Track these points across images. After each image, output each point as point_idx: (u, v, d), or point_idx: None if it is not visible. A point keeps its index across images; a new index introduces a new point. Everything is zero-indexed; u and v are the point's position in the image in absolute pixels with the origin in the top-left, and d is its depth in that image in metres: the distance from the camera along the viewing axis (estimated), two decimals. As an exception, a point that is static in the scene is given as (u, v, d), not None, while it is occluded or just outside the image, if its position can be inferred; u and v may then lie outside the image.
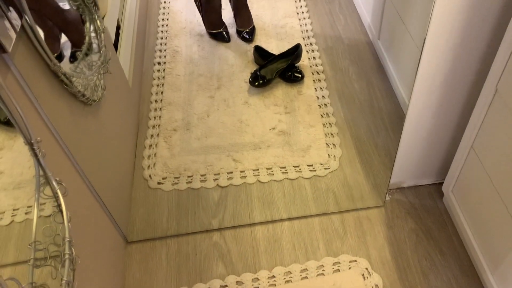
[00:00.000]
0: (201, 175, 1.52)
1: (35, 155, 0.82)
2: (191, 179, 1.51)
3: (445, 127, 1.25)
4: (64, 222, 0.88)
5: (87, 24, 1.25)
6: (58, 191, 0.87)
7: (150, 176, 1.52)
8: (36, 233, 0.83)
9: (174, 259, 1.33)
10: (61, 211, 0.89)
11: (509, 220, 1.01)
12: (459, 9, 0.96)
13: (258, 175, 1.51)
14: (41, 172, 0.86)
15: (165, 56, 1.94)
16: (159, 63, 1.91)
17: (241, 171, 1.52)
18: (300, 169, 1.52)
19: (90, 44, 1.22)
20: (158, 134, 1.64)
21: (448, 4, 0.95)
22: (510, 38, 0.90)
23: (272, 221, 1.40)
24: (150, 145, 1.61)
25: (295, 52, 1.80)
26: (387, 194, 1.41)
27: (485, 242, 1.16)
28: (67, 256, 0.83)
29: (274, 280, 1.26)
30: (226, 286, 1.26)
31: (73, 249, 0.85)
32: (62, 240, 0.87)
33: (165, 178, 1.52)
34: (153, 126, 1.67)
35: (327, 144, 1.58)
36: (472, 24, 0.99)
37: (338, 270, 1.27)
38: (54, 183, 0.86)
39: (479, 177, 1.12)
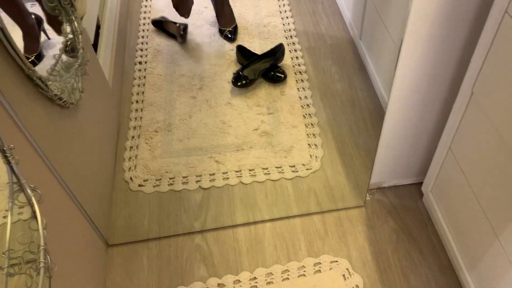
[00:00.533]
0: (183, 177, 1.51)
1: (8, 162, 0.80)
2: (173, 181, 1.50)
3: (424, 128, 1.27)
4: (39, 229, 0.87)
5: (64, 25, 1.22)
6: (33, 198, 0.86)
7: (131, 178, 1.51)
8: (10, 241, 0.81)
9: (155, 262, 1.32)
10: (36, 217, 0.88)
11: (485, 221, 1.02)
12: (436, 11, 0.97)
13: (241, 176, 1.51)
14: (15, 179, 0.84)
15: (146, 56, 1.92)
16: (140, 63, 1.89)
17: (224, 173, 1.52)
18: (282, 170, 1.52)
19: (67, 46, 1.20)
20: (139, 136, 1.63)
21: (425, 6, 0.96)
22: (485, 42, 0.91)
23: (254, 223, 1.40)
24: (131, 147, 1.59)
25: (277, 52, 1.79)
26: (367, 194, 1.42)
27: (462, 241, 1.17)
28: (42, 264, 0.82)
29: (256, 282, 1.26)
30: (208, 288, 1.26)
31: (48, 256, 0.84)
32: (37, 248, 0.86)
33: (146, 180, 1.50)
34: (134, 127, 1.65)
35: (309, 144, 1.58)
36: (449, 27, 1.00)
37: (319, 271, 1.28)
38: (28, 190, 0.85)
39: (456, 178, 1.14)
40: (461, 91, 1.04)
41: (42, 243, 0.84)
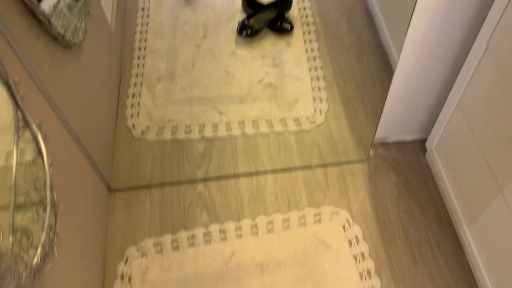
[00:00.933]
0: (186, 126, 1.50)
1: (13, 96, 0.78)
2: (176, 130, 1.49)
3: (433, 84, 1.25)
4: (45, 166, 0.86)
5: (66, -39, 1.17)
6: (38, 135, 0.85)
7: (133, 125, 1.49)
8: (16, 178, 0.81)
9: (157, 208, 1.33)
10: (41, 155, 0.87)
11: (489, 175, 1.03)
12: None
13: (244, 127, 1.50)
14: (20, 115, 0.83)
15: (149, 1, 1.85)
16: (142, 9, 1.83)
17: (227, 123, 1.51)
18: (286, 122, 1.51)
19: (70, -18, 1.15)
20: (141, 83, 1.60)
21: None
22: (507, -9, 0.88)
23: (256, 173, 1.40)
24: (133, 94, 1.57)
25: (285, 1, 1.74)
26: (371, 149, 1.42)
27: (464, 196, 1.19)
28: (48, 200, 0.82)
29: (257, 229, 1.28)
30: (210, 233, 1.28)
31: (54, 193, 0.84)
32: (43, 185, 0.86)
33: (149, 128, 1.49)
34: (136, 75, 1.62)
35: (314, 98, 1.56)
36: (469, -25, 0.96)
37: (319, 221, 1.30)
38: (34, 126, 0.84)
39: (463, 134, 1.13)
40: (475, 43, 1.02)
41: (48, 180, 0.84)
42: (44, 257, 0.80)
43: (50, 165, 0.86)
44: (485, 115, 1.02)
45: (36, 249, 0.76)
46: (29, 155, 0.85)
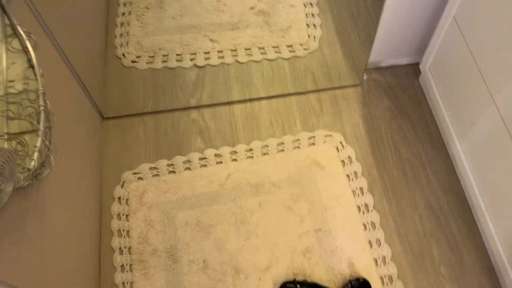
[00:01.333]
0: (177, 55, 1.47)
1: (-3, -2, 0.75)
2: (167, 59, 1.46)
3: (427, 3, 1.22)
4: (36, 76, 0.85)
5: None
6: (28, 44, 0.83)
7: (123, 54, 1.46)
8: (8, 88, 0.80)
9: (152, 134, 1.33)
10: (32, 66, 0.85)
11: (482, 86, 1.03)
12: None
13: (236, 55, 1.47)
14: (7, 22, 0.80)
15: None
16: None
17: (219, 51, 1.48)
18: (279, 49, 1.49)
19: None
20: (130, 12, 1.55)
21: None
22: None
23: (250, 100, 1.40)
24: (122, 23, 1.52)
25: None
26: (364, 74, 1.42)
27: (456, 112, 1.20)
28: (41, 108, 0.81)
29: (252, 153, 1.30)
30: (205, 158, 1.29)
31: (47, 102, 0.83)
32: (35, 95, 0.84)
33: (139, 57, 1.46)
34: (124, 4, 1.57)
35: (307, 24, 1.53)
36: None
37: (313, 144, 1.31)
38: (22, 33, 0.81)
39: (457, 48, 1.13)
40: (474, -50, 0.99)
41: (40, 88, 0.83)
42: (41, 163, 0.81)
43: (41, 76, 0.85)
44: (481, 25, 1.01)
45: (33, 154, 0.76)
46: (19, 66, 0.84)
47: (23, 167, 0.75)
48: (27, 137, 0.81)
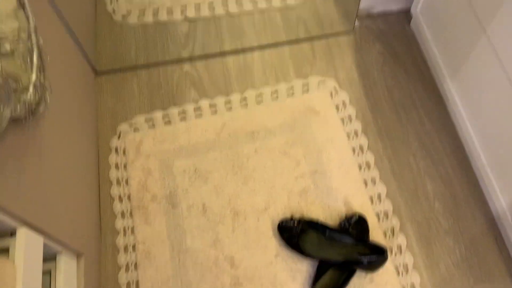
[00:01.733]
0: (168, 8, 1.46)
1: None
2: (157, 12, 1.45)
3: None
4: (28, 16, 0.84)
5: None
6: (16, -20, 0.82)
7: (113, 10, 1.45)
8: (-2, 27, 0.79)
9: (146, 87, 1.33)
10: (22, 6, 0.85)
11: (473, 19, 1.04)
12: None
13: (227, 7, 1.46)
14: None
15: None
16: None
17: (209, 3, 1.47)
18: None
19: None
20: (117, -33, 1.53)
21: None
22: None
23: (243, 50, 1.40)
24: (110, -21, 1.50)
25: None
26: (356, 20, 1.42)
27: (447, 51, 1.21)
28: (35, 45, 0.81)
29: (246, 102, 1.30)
30: (200, 108, 1.29)
31: (40, 38, 0.83)
32: (28, 36, 0.84)
33: (130, 11, 1.45)
34: (112, -41, 1.54)
35: (297, -26, 1.52)
36: None
37: (307, 91, 1.32)
38: (9, -31, 0.80)
39: (448, -14, 1.13)
40: None
41: (32, 26, 0.82)
42: (37, 101, 0.81)
43: (33, 16, 0.84)
44: (471, -44, 1.01)
45: (28, 87, 0.76)
46: (9, 5, 0.83)
47: (19, 99, 0.75)
48: (21, 74, 0.81)
